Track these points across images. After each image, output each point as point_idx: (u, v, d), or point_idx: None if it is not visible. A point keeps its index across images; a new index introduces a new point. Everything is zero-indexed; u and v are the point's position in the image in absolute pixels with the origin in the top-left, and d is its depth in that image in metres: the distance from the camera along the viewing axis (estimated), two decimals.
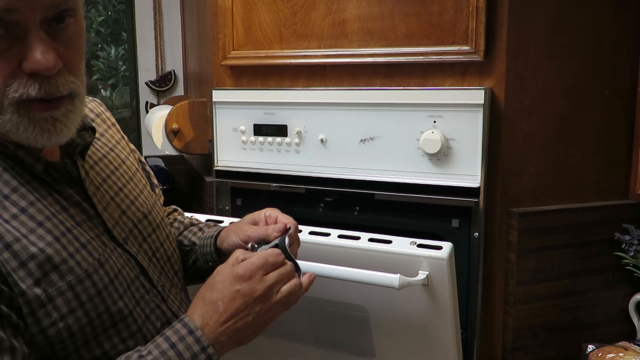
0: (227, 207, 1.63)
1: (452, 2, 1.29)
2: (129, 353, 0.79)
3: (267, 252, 0.88)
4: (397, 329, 1.14)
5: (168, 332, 0.81)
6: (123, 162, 1.00)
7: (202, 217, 1.29)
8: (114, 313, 0.82)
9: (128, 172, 1.00)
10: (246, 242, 0.99)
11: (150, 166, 2.39)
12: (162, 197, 1.15)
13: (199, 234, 1.13)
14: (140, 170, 1.06)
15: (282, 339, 1.30)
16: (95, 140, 0.97)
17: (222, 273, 0.85)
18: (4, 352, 0.71)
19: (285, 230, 0.96)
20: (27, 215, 0.78)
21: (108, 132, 1.03)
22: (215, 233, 1.08)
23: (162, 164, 2.49)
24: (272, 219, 1.01)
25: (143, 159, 1.11)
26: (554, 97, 1.33)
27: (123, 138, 1.07)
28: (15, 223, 0.76)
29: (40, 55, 0.72)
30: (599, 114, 1.37)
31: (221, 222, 1.25)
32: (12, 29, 0.72)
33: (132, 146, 1.09)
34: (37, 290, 0.75)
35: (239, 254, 0.89)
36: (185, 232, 1.15)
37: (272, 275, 0.85)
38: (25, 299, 0.74)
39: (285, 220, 0.99)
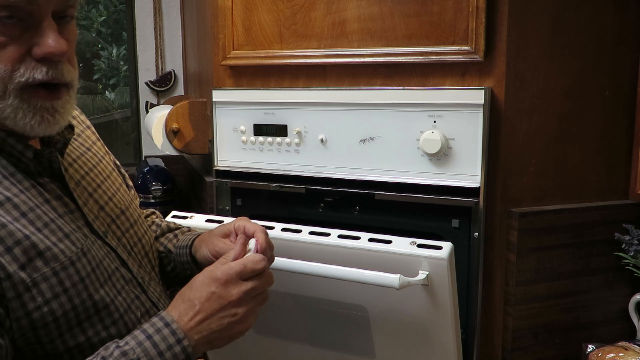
0: (227, 207, 1.63)
1: (452, 2, 1.29)
2: (107, 344, 0.81)
3: (247, 258, 0.89)
4: (397, 329, 1.14)
5: (145, 325, 0.83)
6: (99, 161, 1.04)
7: (202, 217, 1.29)
8: (97, 301, 0.85)
9: (104, 172, 1.03)
10: (215, 257, 1.01)
11: (151, 166, 2.41)
12: (138, 200, 1.17)
13: (174, 241, 1.15)
14: (115, 171, 1.09)
15: (281, 339, 1.30)
16: (72, 140, 0.99)
17: (203, 274, 0.88)
18: None
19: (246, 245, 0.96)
20: (12, 204, 0.80)
21: (84, 133, 1.06)
22: (189, 242, 1.10)
23: (162, 164, 2.48)
24: (240, 229, 1.02)
25: (118, 162, 1.14)
26: (554, 97, 1.33)
27: (98, 140, 1.10)
28: (1, 210, 0.79)
29: (53, 41, 0.78)
30: (599, 114, 1.37)
31: (221, 222, 1.25)
32: (26, 18, 0.77)
33: (106, 149, 1.12)
34: (23, 275, 0.77)
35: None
36: (162, 239, 1.17)
37: (251, 282, 0.87)
38: (11, 282, 0.76)
39: (253, 228, 0.99)
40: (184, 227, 1.22)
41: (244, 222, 1.03)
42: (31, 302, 0.78)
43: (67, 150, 0.95)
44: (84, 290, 0.83)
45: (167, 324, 0.82)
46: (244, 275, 0.87)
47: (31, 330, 0.79)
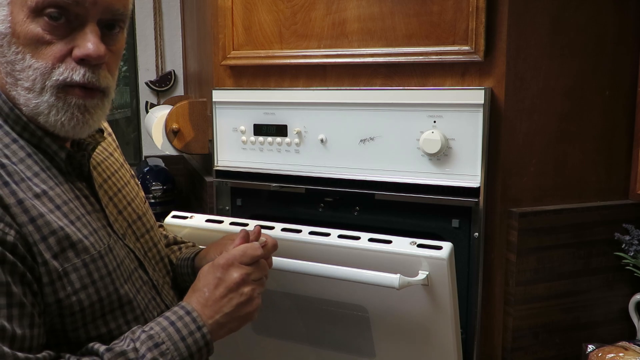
0: (227, 207, 1.63)
1: (452, 2, 1.29)
2: (133, 328, 0.86)
3: (246, 245, 0.96)
4: (397, 329, 1.14)
5: (167, 313, 0.89)
6: (119, 168, 1.07)
7: (202, 217, 1.29)
8: (122, 295, 0.89)
9: (123, 179, 1.06)
10: None
11: (151, 166, 2.41)
12: (151, 210, 1.20)
13: (178, 253, 1.19)
14: (132, 180, 1.13)
15: (281, 339, 1.30)
16: None
17: (207, 265, 0.95)
18: (25, 317, 0.77)
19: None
20: (48, 197, 0.84)
21: (107, 140, 1.09)
22: (192, 255, 1.13)
23: (162, 164, 2.48)
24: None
25: (133, 172, 1.17)
26: (554, 97, 1.33)
27: (118, 148, 1.14)
28: (38, 202, 0.82)
29: (92, 44, 0.82)
30: (599, 114, 1.37)
31: (221, 221, 1.25)
32: (72, 20, 0.82)
33: (123, 158, 1.16)
34: (55, 263, 0.81)
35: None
36: (166, 250, 1.19)
37: (250, 267, 0.94)
38: (47, 268, 0.80)
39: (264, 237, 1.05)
40: (189, 242, 1.25)
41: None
42: (62, 291, 0.81)
43: (93, 153, 0.98)
44: (111, 284, 0.87)
45: (188, 312, 0.88)
46: (244, 261, 0.93)
47: (58, 317, 0.82)
